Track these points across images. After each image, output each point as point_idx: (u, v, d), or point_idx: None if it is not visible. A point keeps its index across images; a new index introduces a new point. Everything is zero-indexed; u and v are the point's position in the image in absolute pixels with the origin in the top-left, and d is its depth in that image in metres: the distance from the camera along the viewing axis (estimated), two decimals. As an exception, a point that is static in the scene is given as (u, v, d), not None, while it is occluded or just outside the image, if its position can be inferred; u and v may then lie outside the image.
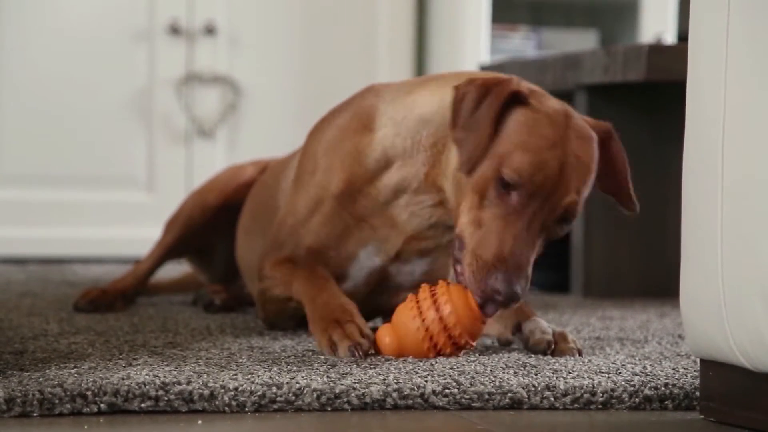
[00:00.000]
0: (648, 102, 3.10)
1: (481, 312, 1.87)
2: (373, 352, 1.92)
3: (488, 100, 1.89)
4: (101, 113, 3.97)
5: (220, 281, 2.70)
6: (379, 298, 2.18)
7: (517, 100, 1.90)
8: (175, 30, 4.01)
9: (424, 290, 1.92)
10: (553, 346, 1.96)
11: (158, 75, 4.01)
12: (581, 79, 3.04)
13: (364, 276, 2.13)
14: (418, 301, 1.90)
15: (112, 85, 3.97)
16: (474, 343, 1.92)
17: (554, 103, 1.93)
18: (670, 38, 4.17)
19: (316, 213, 2.12)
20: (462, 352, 1.92)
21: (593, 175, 1.93)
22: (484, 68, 3.56)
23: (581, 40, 4.30)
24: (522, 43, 4.28)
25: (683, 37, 4.11)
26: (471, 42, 4.08)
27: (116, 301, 2.54)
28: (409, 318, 1.90)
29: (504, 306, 1.86)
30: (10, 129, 3.90)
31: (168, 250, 2.66)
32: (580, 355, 1.96)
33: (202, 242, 2.68)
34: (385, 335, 1.91)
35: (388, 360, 1.88)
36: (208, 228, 2.64)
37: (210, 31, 4.03)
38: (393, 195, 2.07)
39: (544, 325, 2.01)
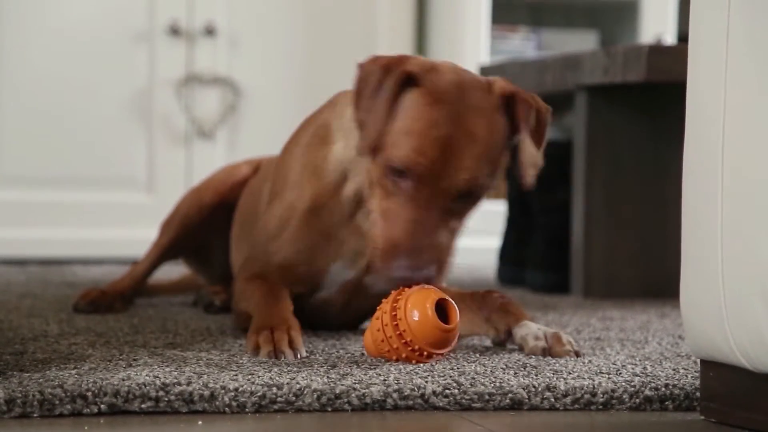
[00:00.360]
0: (648, 103, 3.10)
1: (439, 320, 1.83)
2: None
3: (386, 82, 1.89)
4: (101, 114, 3.97)
5: (220, 282, 2.70)
6: (358, 306, 2.19)
7: (414, 80, 1.90)
8: (175, 31, 4.01)
9: (391, 294, 1.89)
10: (548, 353, 1.96)
11: (158, 76, 4.01)
12: (581, 79, 3.04)
13: (338, 288, 2.14)
14: (383, 304, 1.89)
15: (112, 85, 3.97)
16: (441, 352, 1.85)
17: (449, 78, 1.90)
18: (670, 39, 4.17)
19: (284, 230, 2.13)
20: (431, 361, 1.85)
21: (492, 147, 1.90)
22: (484, 69, 3.56)
23: (581, 41, 4.30)
24: (522, 44, 4.28)
25: (683, 37, 4.11)
26: (471, 43, 4.08)
27: (115, 301, 2.54)
28: (374, 319, 1.89)
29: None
30: (9, 130, 3.90)
31: (165, 251, 2.66)
32: (578, 356, 1.96)
33: (199, 242, 2.67)
34: (367, 334, 1.91)
35: (389, 360, 1.87)
36: (205, 227, 2.64)
37: (210, 32, 4.03)
38: (355, 206, 2.07)
39: (535, 329, 1.99)
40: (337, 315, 2.20)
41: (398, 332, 1.84)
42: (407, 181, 1.87)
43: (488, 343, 2.10)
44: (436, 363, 1.86)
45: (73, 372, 1.71)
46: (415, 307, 1.84)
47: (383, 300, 1.90)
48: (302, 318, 2.09)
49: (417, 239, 1.85)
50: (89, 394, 1.59)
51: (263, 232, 2.17)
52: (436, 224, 1.87)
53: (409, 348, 1.84)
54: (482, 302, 2.07)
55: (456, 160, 1.86)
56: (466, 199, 1.90)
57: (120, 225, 3.98)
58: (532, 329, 1.99)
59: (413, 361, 1.84)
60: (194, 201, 2.65)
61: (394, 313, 1.85)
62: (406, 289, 1.88)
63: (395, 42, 4.18)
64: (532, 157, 1.94)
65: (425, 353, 1.84)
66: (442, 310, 1.87)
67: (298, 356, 1.88)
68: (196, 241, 2.67)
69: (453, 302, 1.88)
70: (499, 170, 1.94)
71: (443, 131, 1.86)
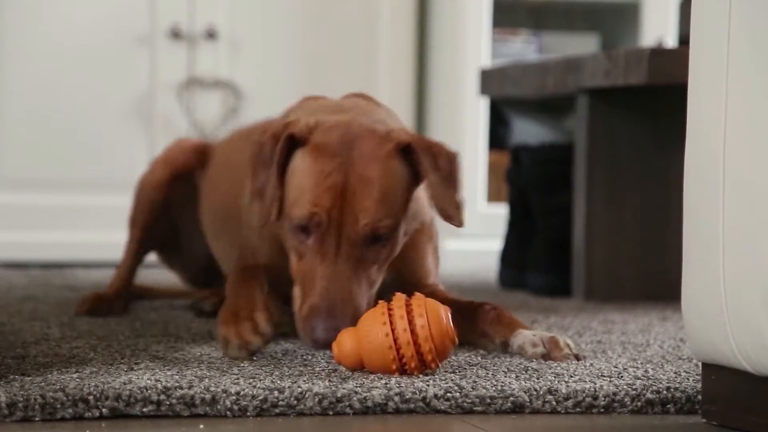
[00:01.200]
0: (649, 105, 3.10)
1: (453, 333, 1.82)
2: (331, 356, 1.88)
3: (273, 150, 1.94)
4: (103, 118, 3.97)
5: (200, 284, 2.70)
6: None
7: (300, 141, 1.94)
8: (176, 34, 4.01)
9: (399, 299, 1.82)
10: (548, 358, 1.95)
11: (159, 79, 4.01)
12: (582, 82, 3.04)
13: None
14: (390, 309, 1.81)
15: (113, 89, 3.97)
16: (439, 364, 1.82)
17: (337, 132, 1.93)
18: (671, 42, 4.17)
19: (265, 237, 2.14)
20: (425, 371, 1.81)
21: (389, 190, 1.91)
22: (484, 72, 3.56)
23: (582, 44, 4.30)
24: (523, 47, 4.28)
25: (684, 40, 4.11)
26: (472, 46, 4.08)
27: (113, 304, 2.54)
28: (378, 324, 1.79)
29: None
30: (11, 133, 3.91)
31: (139, 243, 2.65)
32: (578, 359, 1.96)
33: (166, 226, 2.65)
34: (347, 341, 1.82)
35: (384, 373, 1.87)
36: (166, 206, 2.63)
37: (211, 35, 4.03)
38: None
39: (530, 337, 1.98)
40: None
41: (414, 338, 1.78)
42: (311, 237, 1.90)
43: (490, 347, 2.10)
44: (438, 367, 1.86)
45: (75, 376, 1.71)
46: (435, 316, 1.80)
47: (379, 306, 1.82)
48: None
49: (331, 298, 1.87)
50: (91, 397, 1.59)
51: (249, 236, 2.18)
52: (348, 276, 1.88)
53: (418, 356, 1.79)
54: (475, 315, 2.06)
55: (352, 205, 1.89)
56: (375, 244, 1.91)
57: (121, 228, 3.97)
58: (527, 337, 1.98)
59: (410, 371, 1.79)
60: (148, 182, 2.65)
61: (412, 326, 1.78)
62: (409, 297, 1.83)
63: (396, 46, 4.18)
64: (446, 199, 1.95)
65: (429, 363, 1.80)
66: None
67: (266, 339, 1.89)
68: (162, 225, 2.65)
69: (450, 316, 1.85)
70: (404, 215, 1.96)
71: (334, 179, 1.89)
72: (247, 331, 1.90)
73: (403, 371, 1.79)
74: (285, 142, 1.93)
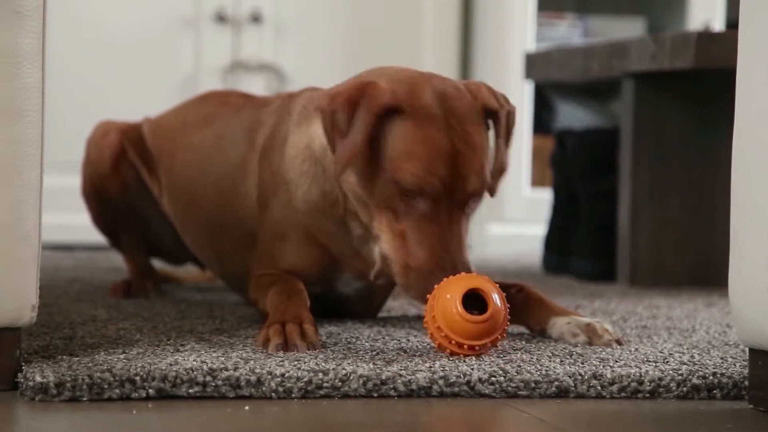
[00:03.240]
0: (696, 90, 3.07)
1: (466, 311, 1.78)
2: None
3: (361, 116, 1.88)
4: (148, 101, 3.99)
5: (175, 261, 2.69)
6: (378, 300, 2.22)
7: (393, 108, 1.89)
8: (221, 18, 4.02)
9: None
10: (590, 344, 1.95)
11: (204, 63, 4.03)
12: (628, 67, 3.02)
13: (353, 290, 2.15)
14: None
15: (159, 72, 3.99)
16: (480, 343, 1.79)
17: (427, 97, 1.90)
18: (718, 25, 4.14)
19: (284, 241, 2.12)
20: (476, 353, 1.80)
21: (486, 149, 1.93)
22: (529, 56, 3.54)
23: (628, 28, 4.27)
24: (568, 31, 4.26)
25: (732, 24, 4.07)
26: (517, 30, 4.06)
27: (144, 285, 2.54)
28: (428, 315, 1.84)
29: None
30: (57, 117, 3.93)
31: (113, 218, 2.63)
32: (620, 343, 1.95)
33: (122, 198, 2.61)
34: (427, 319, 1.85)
35: (433, 348, 1.87)
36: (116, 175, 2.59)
37: (256, 19, 4.04)
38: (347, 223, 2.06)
39: (566, 326, 1.97)
40: (355, 308, 2.20)
41: (436, 324, 1.80)
42: (421, 202, 1.88)
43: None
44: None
45: (122, 356, 1.73)
46: (443, 300, 1.80)
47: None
48: (320, 309, 2.11)
49: (450, 252, 1.86)
50: (137, 378, 1.61)
51: (264, 239, 2.15)
52: (460, 238, 1.88)
53: (448, 340, 1.80)
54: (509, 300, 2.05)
55: (463, 171, 1.88)
56: (477, 198, 1.92)
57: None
58: (564, 327, 1.98)
59: (460, 355, 1.80)
60: (95, 147, 2.62)
61: (432, 314, 1.81)
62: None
63: (440, 28, 4.17)
64: (504, 164, 1.98)
65: (465, 346, 1.79)
66: (478, 299, 1.82)
67: (313, 349, 1.84)
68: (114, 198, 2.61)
69: (490, 291, 1.82)
70: None
71: (445, 147, 1.88)
72: (294, 334, 1.85)
73: (448, 352, 1.82)
74: (379, 112, 1.88)
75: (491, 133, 1.97)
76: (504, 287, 2.04)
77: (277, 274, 2.09)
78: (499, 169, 1.97)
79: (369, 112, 1.88)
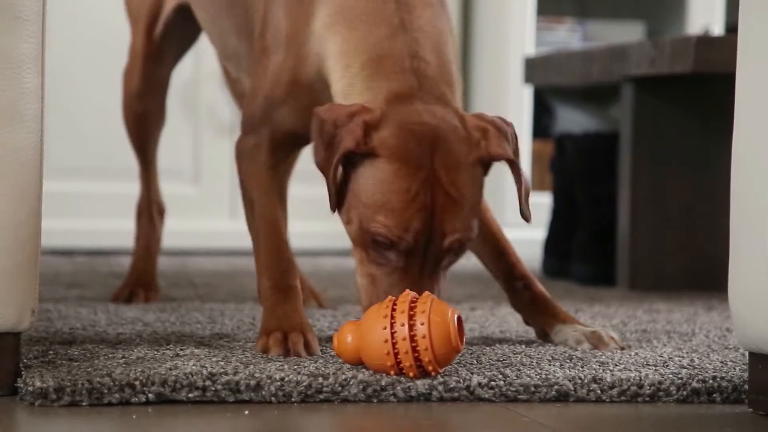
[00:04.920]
0: (695, 94, 3.07)
1: (458, 342, 1.67)
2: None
3: (333, 148, 1.75)
4: (148, 106, 3.99)
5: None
6: None
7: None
8: (220, 23, 4.02)
9: (404, 300, 1.68)
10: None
11: (204, 68, 4.03)
12: (628, 71, 3.02)
13: None
14: (393, 311, 1.67)
15: (158, 78, 3.99)
16: (441, 371, 1.68)
17: (415, 142, 1.73)
18: (717, 30, 4.14)
19: (275, 98, 1.95)
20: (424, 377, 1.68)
21: (476, 200, 1.78)
22: (529, 60, 3.55)
23: (627, 32, 4.27)
24: (568, 36, 4.26)
25: (731, 28, 4.08)
26: (516, 34, 4.06)
27: (145, 288, 2.53)
28: (379, 327, 1.67)
29: None
30: (57, 122, 3.93)
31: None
32: (623, 350, 1.94)
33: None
34: (348, 334, 1.72)
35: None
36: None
37: (255, 24, 4.04)
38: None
39: (572, 333, 1.96)
40: None
41: (413, 346, 1.65)
42: (393, 253, 1.75)
43: (534, 335, 2.09)
44: (482, 355, 1.85)
45: (121, 361, 1.73)
46: (439, 326, 1.66)
47: (386, 302, 1.70)
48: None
49: None
50: (137, 383, 1.61)
51: (261, 91, 1.97)
52: (432, 283, 1.76)
53: (418, 364, 1.66)
54: (508, 289, 2.03)
55: (442, 225, 1.74)
56: (456, 254, 1.78)
57: (166, 216, 4.00)
58: (569, 334, 1.97)
59: (410, 375, 1.67)
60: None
61: (412, 333, 1.65)
62: (416, 297, 1.70)
63: (440, 34, 4.17)
64: (528, 186, 1.83)
65: (429, 372, 1.67)
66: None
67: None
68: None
69: (461, 319, 1.71)
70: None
71: (422, 200, 1.72)
72: (299, 345, 1.82)
73: (400, 373, 1.68)
74: (344, 154, 1.74)
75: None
76: (511, 278, 2.03)
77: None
78: (526, 194, 1.83)
79: (337, 151, 1.74)
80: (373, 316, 1.69)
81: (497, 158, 1.80)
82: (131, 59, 2.63)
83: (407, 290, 1.72)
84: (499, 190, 3.74)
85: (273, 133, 1.97)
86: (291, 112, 1.94)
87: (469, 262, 2.27)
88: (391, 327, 1.66)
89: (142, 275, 2.59)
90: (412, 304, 1.68)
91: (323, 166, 1.79)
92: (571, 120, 4.22)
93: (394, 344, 1.66)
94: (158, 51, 2.61)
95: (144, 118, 2.64)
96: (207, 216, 3.91)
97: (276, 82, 1.94)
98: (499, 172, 2.12)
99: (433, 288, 1.77)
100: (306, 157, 2.15)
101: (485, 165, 1.81)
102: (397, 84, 1.80)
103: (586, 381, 1.70)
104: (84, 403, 1.59)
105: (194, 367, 1.67)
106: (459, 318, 1.70)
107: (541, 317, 2.02)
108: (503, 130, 1.83)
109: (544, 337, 2.02)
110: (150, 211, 2.68)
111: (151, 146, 2.67)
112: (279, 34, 1.95)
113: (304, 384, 1.65)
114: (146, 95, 2.62)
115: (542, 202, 3.86)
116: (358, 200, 1.76)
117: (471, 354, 1.86)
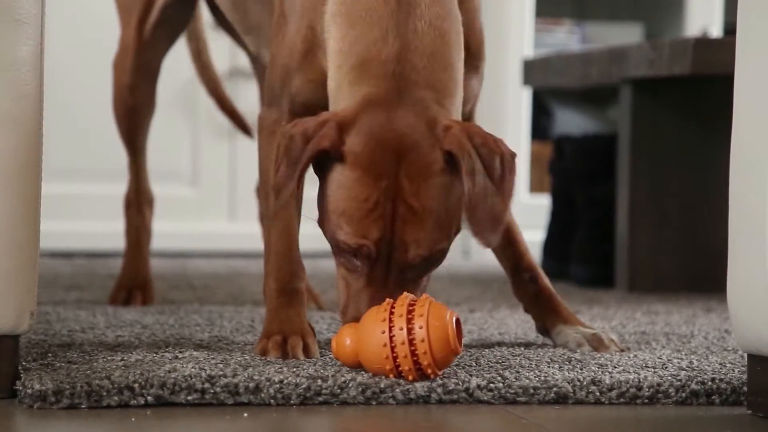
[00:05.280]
0: (694, 96, 3.08)
1: (457, 345, 1.66)
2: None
3: (303, 154, 1.72)
4: (146, 108, 3.99)
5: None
6: None
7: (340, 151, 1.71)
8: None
9: (402, 303, 1.67)
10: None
11: (202, 70, 4.02)
12: (626, 73, 3.02)
13: None
14: (391, 315, 1.66)
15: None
16: (440, 373, 1.68)
17: (381, 148, 1.70)
18: (716, 31, 4.14)
19: (291, 69, 1.91)
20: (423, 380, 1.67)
21: (443, 212, 1.71)
22: (527, 62, 3.55)
23: (626, 34, 4.27)
24: (566, 37, 4.26)
25: (730, 30, 4.08)
26: (515, 36, 4.07)
27: (140, 288, 2.53)
28: (377, 331, 1.66)
29: None
30: (55, 124, 3.93)
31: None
32: (623, 351, 1.95)
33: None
34: (346, 338, 1.71)
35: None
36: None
37: (254, 26, 4.04)
38: None
39: (573, 335, 1.96)
40: None
41: (412, 349, 1.64)
42: (359, 260, 1.73)
43: (533, 337, 2.09)
44: (481, 357, 1.86)
45: (120, 364, 1.73)
46: (438, 329, 1.64)
47: (384, 305, 1.68)
48: None
49: None
50: (136, 385, 1.61)
51: (279, 61, 1.94)
52: (395, 296, 1.71)
53: (417, 367, 1.65)
54: (513, 279, 2.02)
55: (403, 236, 1.70)
56: (426, 264, 1.73)
57: (164, 218, 3.99)
58: (570, 336, 1.97)
59: (409, 379, 1.66)
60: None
61: (411, 336, 1.64)
62: (414, 299, 1.69)
63: (439, 35, 4.17)
64: (486, 209, 1.70)
65: (429, 375, 1.67)
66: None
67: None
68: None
69: (460, 322, 1.69)
70: (458, 225, 1.75)
71: (381, 209, 1.69)
72: (297, 349, 1.83)
73: (399, 376, 1.67)
74: (310, 159, 1.72)
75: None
76: (518, 268, 2.02)
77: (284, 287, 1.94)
78: (487, 219, 1.70)
79: (306, 152, 1.72)
80: (372, 320, 1.68)
81: (453, 155, 1.70)
82: (122, 50, 2.62)
83: (404, 295, 1.69)
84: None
85: (292, 106, 1.93)
86: (307, 83, 1.91)
87: (469, 262, 2.27)
88: (390, 330, 1.65)
89: (135, 272, 2.58)
90: (410, 308, 1.67)
91: (281, 181, 1.73)
92: (570, 122, 4.22)
93: (392, 348, 1.65)
94: (152, 40, 2.60)
95: (135, 110, 2.63)
96: (205, 218, 3.92)
97: (292, 49, 1.91)
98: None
99: (399, 294, 1.71)
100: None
101: (454, 167, 1.71)
102: (376, 89, 1.76)
103: (585, 383, 1.70)
104: (83, 406, 1.59)
105: (193, 370, 1.67)
106: (458, 320, 1.69)
107: (544, 313, 2.01)
108: (471, 135, 1.71)
109: (544, 332, 2.02)
110: (139, 201, 2.66)
111: (141, 137, 2.66)
112: (296, 2, 1.92)
113: (303, 386, 1.64)
114: (138, 87, 2.62)
115: (541, 204, 3.87)
116: (326, 206, 1.75)
117: (470, 356, 1.86)
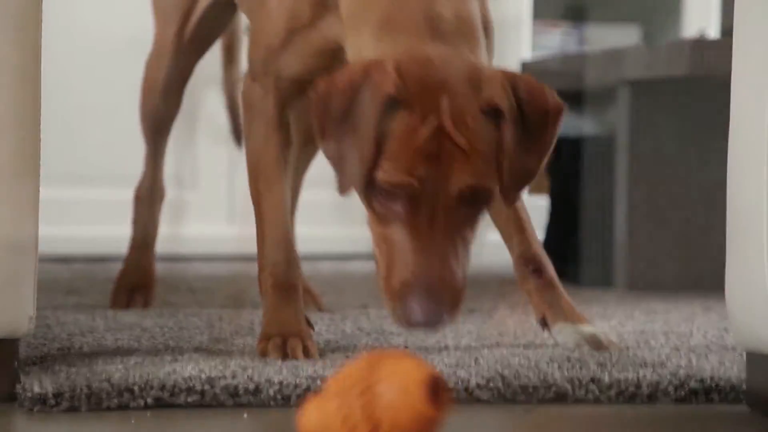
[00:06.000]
0: (691, 97, 3.08)
1: (431, 407, 1.29)
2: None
3: (365, 109, 1.63)
4: (145, 113, 3.99)
5: None
6: None
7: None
8: (217, 29, 4.02)
9: (362, 365, 1.32)
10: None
11: (201, 72, 4.03)
12: (624, 74, 3.03)
13: None
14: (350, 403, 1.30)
15: (155, 84, 3.99)
16: None
17: (428, 87, 1.64)
18: (713, 33, 4.15)
19: (292, 43, 1.87)
20: None
21: (486, 147, 1.65)
22: (525, 65, 3.55)
23: (623, 36, 4.28)
24: (563, 39, 4.26)
25: (727, 31, 4.08)
26: (512, 38, 4.07)
27: (142, 288, 2.53)
28: (335, 404, 1.31)
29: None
30: (54, 128, 3.93)
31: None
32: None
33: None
34: (313, 410, 1.34)
35: (432, 353, 1.87)
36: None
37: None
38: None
39: (572, 334, 1.96)
40: None
41: (372, 424, 1.29)
42: (400, 204, 1.64)
43: (532, 337, 2.10)
44: (480, 357, 1.86)
45: (120, 366, 1.73)
46: (406, 396, 1.28)
47: (350, 366, 1.33)
48: None
49: (428, 276, 1.61)
50: (136, 387, 1.61)
51: (265, 32, 1.90)
52: (444, 250, 1.63)
53: None
54: (518, 269, 2.01)
55: (449, 170, 1.63)
56: (473, 205, 1.66)
57: (163, 221, 4.00)
58: (569, 336, 1.97)
59: None
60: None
61: (370, 399, 1.29)
62: (379, 356, 1.32)
63: (436, 38, 4.17)
64: (527, 169, 1.69)
65: None
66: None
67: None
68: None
69: (442, 378, 1.32)
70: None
71: (427, 143, 1.63)
72: (297, 350, 1.83)
73: None
74: (383, 104, 1.62)
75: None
76: (523, 258, 2.00)
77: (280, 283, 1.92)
78: (518, 174, 1.68)
79: (374, 104, 1.63)
80: (333, 389, 1.33)
81: (494, 106, 1.67)
82: (157, 52, 2.58)
83: (368, 354, 1.34)
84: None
85: (278, 81, 1.90)
86: (297, 56, 1.87)
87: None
88: (348, 404, 1.31)
89: (138, 270, 2.57)
90: (373, 370, 1.31)
91: (344, 148, 1.64)
92: (568, 123, 4.22)
93: (351, 427, 1.30)
94: (191, 43, 2.56)
95: (164, 111, 2.62)
96: (205, 221, 3.91)
97: (277, 23, 1.87)
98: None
99: (448, 244, 1.63)
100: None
101: (495, 116, 1.68)
102: (410, 39, 1.71)
103: (584, 382, 1.71)
104: (83, 409, 1.59)
105: (193, 371, 1.67)
106: (435, 379, 1.31)
107: (546, 307, 2.01)
108: (515, 82, 1.70)
109: (543, 325, 2.01)
110: (152, 196, 2.65)
111: (165, 135, 2.65)
112: None
113: (303, 387, 1.65)
114: (168, 90, 2.60)
115: (540, 205, 3.87)
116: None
117: (469, 355, 1.86)
